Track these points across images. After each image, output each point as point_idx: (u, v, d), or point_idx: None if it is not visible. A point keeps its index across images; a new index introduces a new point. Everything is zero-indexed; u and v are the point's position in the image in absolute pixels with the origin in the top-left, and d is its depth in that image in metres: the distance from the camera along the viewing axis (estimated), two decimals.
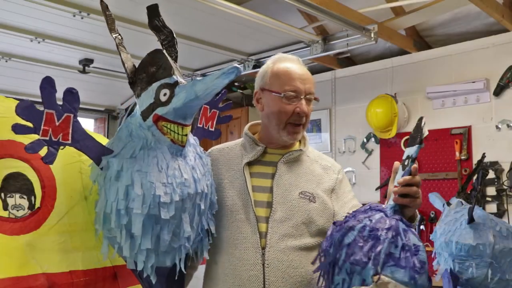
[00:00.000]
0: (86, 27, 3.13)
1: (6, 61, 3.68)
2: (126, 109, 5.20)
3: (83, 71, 3.89)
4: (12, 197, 1.36)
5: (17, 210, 1.36)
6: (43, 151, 1.29)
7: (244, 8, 2.89)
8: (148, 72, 1.40)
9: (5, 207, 1.34)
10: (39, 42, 3.33)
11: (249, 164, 1.62)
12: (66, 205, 1.47)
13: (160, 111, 1.36)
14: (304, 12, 3.39)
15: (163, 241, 1.37)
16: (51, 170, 1.44)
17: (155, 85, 1.38)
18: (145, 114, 1.39)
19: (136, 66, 1.45)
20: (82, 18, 2.95)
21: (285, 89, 1.56)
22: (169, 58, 1.41)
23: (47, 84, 1.27)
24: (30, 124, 1.26)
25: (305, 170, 1.64)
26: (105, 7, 1.45)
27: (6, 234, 1.32)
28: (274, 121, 1.60)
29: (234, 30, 3.39)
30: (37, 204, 1.40)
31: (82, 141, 1.34)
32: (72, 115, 1.31)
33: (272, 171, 1.60)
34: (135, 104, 1.47)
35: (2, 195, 1.35)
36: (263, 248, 1.50)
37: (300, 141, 1.71)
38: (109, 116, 5.43)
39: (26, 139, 1.38)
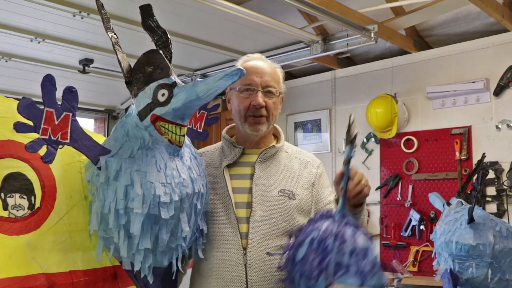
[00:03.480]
0: (86, 27, 3.13)
1: (6, 61, 3.67)
2: (126, 109, 5.20)
3: (83, 71, 3.89)
4: (12, 197, 1.36)
5: (17, 210, 1.36)
6: (42, 150, 1.29)
7: (244, 8, 2.89)
8: (144, 72, 1.40)
9: (5, 207, 1.34)
10: (39, 42, 3.32)
11: (229, 166, 1.64)
12: (66, 205, 1.47)
13: (158, 111, 1.36)
14: (304, 12, 3.39)
15: (162, 241, 1.38)
16: (51, 170, 1.44)
17: (153, 85, 1.38)
18: (142, 114, 1.38)
19: (132, 66, 1.45)
20: (82, 18, 2.95)
21: (241, 84, 1.62)
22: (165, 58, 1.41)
23: (48, 82, 1.27)
24: (30, 123, 1.25)
25: (283, 167, 1.65)
26: (100, 6, 1.45)
27: (6, 234, 1.32)
28: (237, 116, 1.65)
29: (234, 30, 3.39)
30: (37, 204, 1.40)
31: (80, 141, 1.34)
32: (70, 114, 1.31)
33: (250, 172, 1.62)
34: None
35: (2, 195, 1.35)
36: (245, 249, 1.52)
37: (277, 137, 1.74)
38: (109, 116, 5.43)
39: (26, 139, 1.38)
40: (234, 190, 1.59)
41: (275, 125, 1.73)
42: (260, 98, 1.59)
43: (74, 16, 2.92)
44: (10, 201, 1.35)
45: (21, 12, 2.89)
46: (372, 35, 3.19)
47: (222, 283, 1.51)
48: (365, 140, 4.14)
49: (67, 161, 1.48)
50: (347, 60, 4.38)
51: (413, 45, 3.80)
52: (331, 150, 4.36)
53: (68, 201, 1.47)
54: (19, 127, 1.24)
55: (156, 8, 1.52)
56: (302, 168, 1.67)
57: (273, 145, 1.67)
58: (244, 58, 1.71)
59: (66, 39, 3.38)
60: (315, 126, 4.49)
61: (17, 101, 1.42)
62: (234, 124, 1.75)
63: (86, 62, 3.80)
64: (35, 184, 1.40)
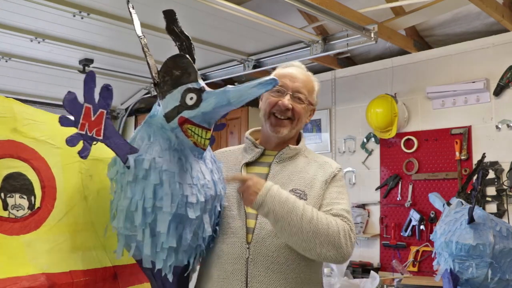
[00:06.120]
0: (86, 27, 3.13)
1: (6, 61, 3.67)
2: (126, 109, 5.20)
3: (83, 71, 3.88)
4: (12, 197, 1.36)
5: (17, 210, 1.36)
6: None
7: (244, 8, 2.89)
8: (172, 75, 1.42)
9: (5, 207, 1.34)
10: (39, 42, 3.32)
11: (248, 165, 1.68)
12: (66, 205, 1.47)
13: (186, 114, 1.39)
14: (304, 12, 3.39)
15: (185, 240, 1.41)
16: (51, 170, 1.44)
17: (181, 88, 1.40)
18: (169, 116, 1.41)
19: (158, 69, 1.47)
20: (82, 18, 2.94)
21: None
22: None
23: (90, 79, 1.31)
24: (72, 117, 1.28)
25: (300, 169, 1.66)
26: (131, 7, 1.48)
27: (6, 234, 1.32)
28: (262, 112, 1.70)
29: (234, 30, 3.39)
30: (37, 204, 1.40)
31: (112, 138, 1.36)
32: (105, 111, 1.34)
33: (267, 171, 1.65)
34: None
35: (2, 195, 1.35)
36: (249, 243, 1.54)
37: (298, 141, 1.76)
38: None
39: (26, 139, 1.38)
40: None
41: (300, 131, 1.76)
42: (287, 101, 1.64)
43: (74, 16, 2.92)
44: (10, 201, 1.35)
45: (21, 12, 2.89)
46: (372, 35, 3.19)
47: (223, 275, 1.54)
48: (365, 140, 4.15)
49: (67, 161, 1.48)
50: (347, 60, 4.38)
51: (413, 45, 3.80)
52: (331, 150, 4.36)
53: (68, 201, 1.48)
54: (63, 121, 1.28)
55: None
56: (319, 170, 1.67)
57: (288, 146, 1.69)
58: (284, 64, 1.77)
59: (66, 39, 3.38)
60: (315, 126, 4.49)
61: (17, 101, 1.43)
62: (258, 128, 1.79)
63: (86, 62, 3.80)
64: (35, 184, 1.40)
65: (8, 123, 1.38)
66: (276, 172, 1.64)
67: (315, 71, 4.58)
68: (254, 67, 3.93)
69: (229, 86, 1.37)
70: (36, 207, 1.40)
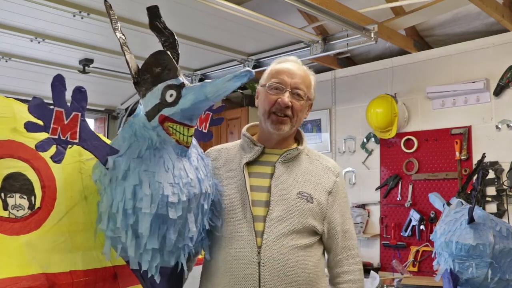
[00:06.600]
0: (86, 27, 3.13)
1: (6, 61, 3.67)
2: (126, 109, 5.20)
3: (83, 71, 3.88)
4: (12, 197, 1.36)
5: (17, 210, 1.36)
6: (51, 150, 1.28)
7: (244, 8, 2.89)
8: (152, 72, 1.41)
9: (5, 207, 1.34)
10: (39, 42, 3.32)
11: (248, 164, 1.64)
12: (66, 205, 1.46)
13: (166, 111, 1.37)
14: (304, 12, 3.39)
15: (169, 241, 1.39)
16: (51, 170, 1.44)
17: (161, 86, 1.39)
18: (150, 114, 1.39)
19: (140, 67, 1.45)
20: (82, 18, 2.95)
21: (271, 81, 1.64)
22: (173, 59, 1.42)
23: (58, 82, 1.28)
24: (41, 122, 1.26)
25: (303, 170, 1.65)
26: (108, 7, 1.46)
27: (6, 234, 1.32)
28: (261, 111, 1.66)
29: (234, 30, 3.39)
30: (37, 204, 1.40)
31: (89, 141, 1.34)
32: (79, 114, 1.32)
33: (270, 171, 1.62)
34: (135, 104, 1.47)
35: (2, 195, 1.35)
36: (259, 247, 1.51)
37: (298, 141, 1.74)
38: (109, 116, 5.42)
39: (26, 139, 1.38)
40: (252, 188, 1.59)
41: (298, 128, 1.74)
42: (287, 98, 1.60)
43: (74, 16, 2.92)
44: (10, 201, 1.35)
45: (21, 12, 2.89)
46: (372, 35, 3.19)
47: (234, 280, 1.51)
48: (365, 140, 4.14)
49: (67, 161, 1.47)
50: (347, 60, 4.38)
51: (413, 45, 3.80)
52: (331, 150, 4.36)
53: (68, 201, 1.47)
54: (29, 127, 1.24)
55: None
56: (322, 173, 1.67)
57: (296, 147, 1.67)
58: (279, 59, 1.72)
59: (66, 39, 3.38)
60: (315, 126, 4.49)
61: (17, 101, 1.43)
62: (254, 123, 1.76)
63: (86, 62, 3.80)
64: (35, 184, 1.40)
65: (8, 123, 1.38)
66: (281, 172, 1.62)
67: (315, 71, 4.57)
68: (254, 67, 3.93)
69: (207, 80, 1.35)
70: (36, 207, 1.40)
